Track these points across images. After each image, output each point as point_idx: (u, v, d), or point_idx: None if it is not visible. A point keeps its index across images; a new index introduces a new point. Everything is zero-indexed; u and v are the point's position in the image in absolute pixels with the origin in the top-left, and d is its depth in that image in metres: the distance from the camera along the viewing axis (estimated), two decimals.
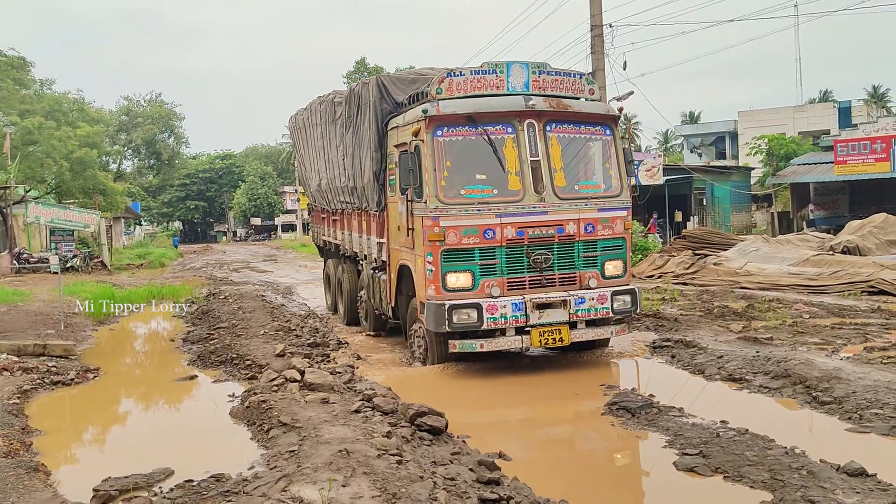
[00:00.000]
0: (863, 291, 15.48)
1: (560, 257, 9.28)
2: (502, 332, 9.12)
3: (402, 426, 6.73)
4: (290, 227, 75.85)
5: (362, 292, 13.34)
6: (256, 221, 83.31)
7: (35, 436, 7.62)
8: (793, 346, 9.99)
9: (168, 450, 7.07)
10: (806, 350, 9.73)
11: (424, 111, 9.07)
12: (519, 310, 8.97)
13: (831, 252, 19.96)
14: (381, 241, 11.19)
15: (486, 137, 9.15)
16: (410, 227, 9.34)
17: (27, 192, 32.76)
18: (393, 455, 5.64)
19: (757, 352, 9.43)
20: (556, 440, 7.64)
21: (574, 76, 9.90)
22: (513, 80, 9.42)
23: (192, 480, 5.67)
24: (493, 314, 8.92)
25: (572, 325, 9.27)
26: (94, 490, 5.57)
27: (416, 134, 9.19)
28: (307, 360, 10.18)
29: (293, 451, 6.07)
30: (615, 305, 9.42)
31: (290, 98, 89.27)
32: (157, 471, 6.12)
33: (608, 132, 9.86)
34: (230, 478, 5.67)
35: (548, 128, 9.38)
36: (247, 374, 9.90)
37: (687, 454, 6.06)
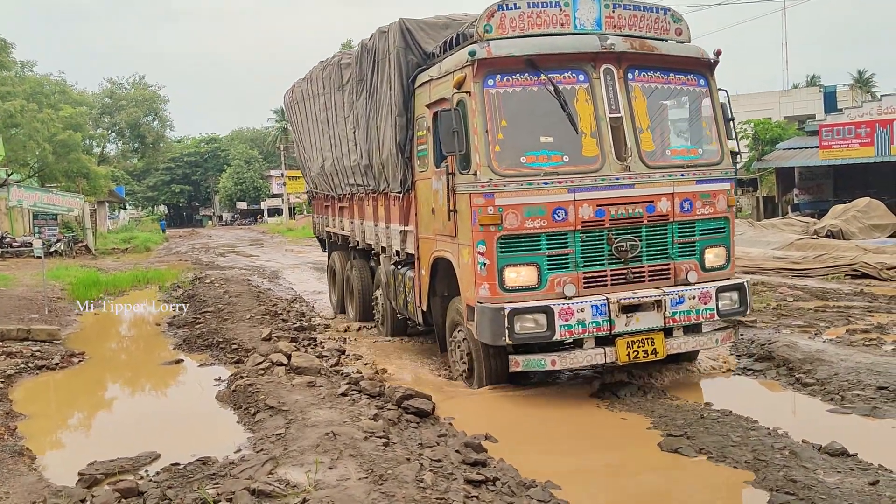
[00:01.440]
0: (846, 275, 15.62)
1: (650, 244, 7.29)
2: (578, 343, 7.14)
3: (389, 409, 6.76)
4: (276, 212, 75.50)
5: (378, 292, 11.23)
6: (242, 205, 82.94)
7: (19, 420, 7.58)
8: (776, 329, 10.08)
9: (154, 434, 7.05)
10: (789, 332, 9.82)
11: (472, 53, 7.06)
12: (601, 314, 6.96)
13: (815, 236, 20.13)
14: (406, 229, 9.15)
15: (551, 88, 7.11)
16: (452, 208, 7.33)
17: (9, 175, 32.39)
18: (380, 437, 5.66)
19: (741, 334, 9.50)
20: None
21: (657, 11, 7.78)
22: (581, 16, 7.41)
23: (178, 464, 5.67)
24: (567, 320, 6.90)
25: (667, 332, 7.31)
26: (80, 474, 5.56)
27: (459, 85, 7.21)
28: (294, 343, 10.17)
29: (280, 434, 6.08)
30: (721, 305, 7.45)
31: (277, 80, 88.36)
32: (143, 454, 6.11)
33: (702, 82, 7.84)
34: (217, 461, 5.68)
35: (629, 75, 7.39)
36: (233, 358, 9.88)
37: (671, 435, 6.11)
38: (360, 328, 12.01)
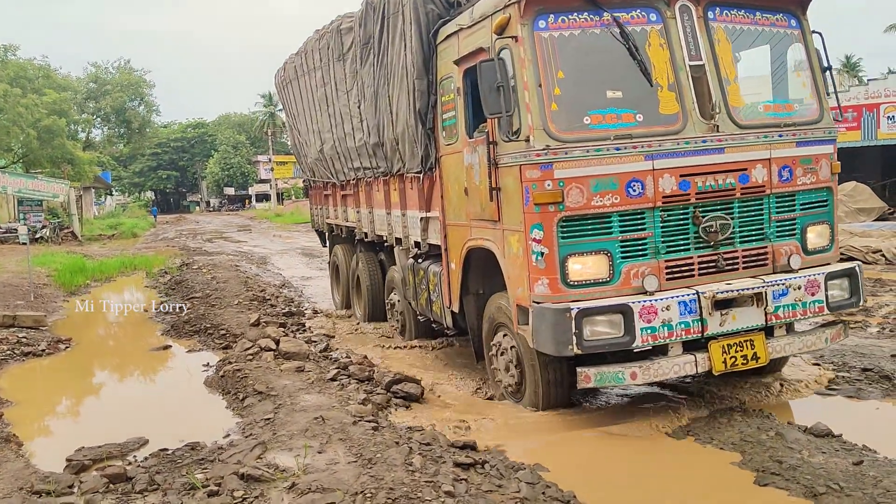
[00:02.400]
0: None
1: (744, 222, 5.95)
2: (661, 350, 5.79)
3: (378, 393, 6.76)
4: (264, 197, 75.21)
5: (394, 294, 9.86)
6: (230, 191, 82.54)
7: (6, 407, 7.54)
8: None
9: (142, 420, 7.03)
10: None
11: None
12: (690, 312, 5.62)
13: None
14: (429, 215, 7.84)
15: (617, 30, 5.78)
16: (494, 185, 6.00)
17: None
18: (369, 422, 5.66)
19: None
20: None
21: None
22: None
23: (167, 449, 5.66)
24: (650, 322, 5.53)
25: (768, 331, 6.00)
26: (68, 460, 5.54)
27: (500, 30, 5.83)
28: (282, 329, 10.17)
29: (268, 418, 6.08)
30: (830, 296, 6.11)
31: (266, 63, 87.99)
32: (131, 440, 6.10)
33: (793, 23, 6.43)
34: (205, 446, 5.67)
35: (710, 14, 6.05)
36: (221, 344, 9.85)
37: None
38: (347, 325, 11.15)
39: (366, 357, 8.45)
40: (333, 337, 9.84)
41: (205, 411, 7.20)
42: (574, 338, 5.44)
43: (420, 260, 8.30)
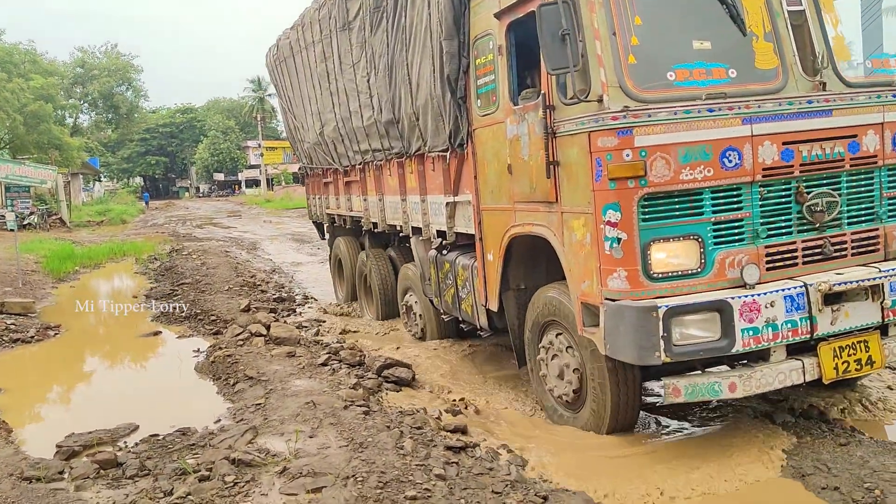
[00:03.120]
0: None
1: (852, 200, 5.00)
2: (761, 355, 4.79)
3: (369, 378, 6.76)
4: (253, 183, 74.88)
5: (409, 295, 8.72)
6: (219, 177, 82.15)
7: None
8: None
9: (132, 405, 7.01)
10: None
11: None
12: (798, 308, 4.67)
13: None
14: (457, 200, 6.90)
15: None
16: (553, 159, 5.00)
17: None
18: (360, 406, 5.67)
19: None
20: None
21: None
22: None
23: (157, 435, 5.65)
24: (752, 321, 4.57)
25: (882, 330, 5.03)
26: (58, 446, 5.52)
27: None
28: (273, 314, 10.15)
29: (259, 404, 6.08)
30: None
31: (255, 48, 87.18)
32: (121, 426, 6.08)
33: None
34: (196, 431, 5.66)
35: None
36: (212, 330, 9.83)
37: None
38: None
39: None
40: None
41: (195, 397, 7.19)
42: (662, 342, 4.44)
43: (444, 251, 7.29)
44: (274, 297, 12.07)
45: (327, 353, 7.56)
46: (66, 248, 20.24)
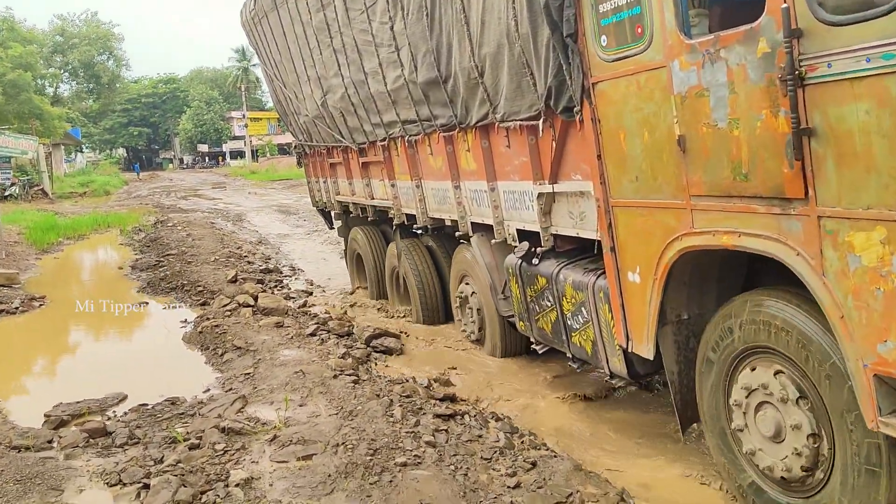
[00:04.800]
0: None
1: None
2: None
3: (358, 348, 6.78)
4: (238, 154, 74.18)
5: (466, 283, 6.87)
6: (203, 148, 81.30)
7: None
8: None
9: (120, 376, 6.98)
10: None
11: None
12: None
13: None
14: (562, 188, 4.95)
15: None
16: (804, 124, 2.90)
17: None
18: (349, 375, 5.69)
19: None
20: None
21: None
22: None
23: (146, 404, 5.66)
24: None
25: None
26: (46, 415, 5.51)
27: None
28: (260, 285, 10.12)
29: (248, 373, 6.09)
30: None
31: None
32: (110, 396, 6.08)
33: None
34: (185, 401, 5.68)
35: None
36: (199, 301, 9.80)
37: None
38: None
39: (345, 313, 8.41)
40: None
41: (184, 367, 7.18)
42: None
43: (535, 261, 5.20)
44: (261, 268, 12.04)
45: (315, 324, 7.57)
46: (49, 219, 20.04)
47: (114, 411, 5.77)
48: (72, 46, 56.15)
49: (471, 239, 6.43)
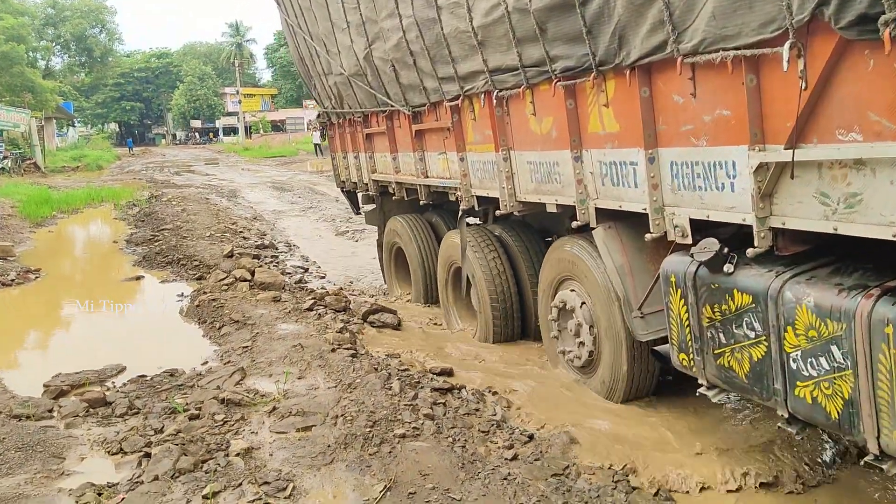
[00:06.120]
0: None
1: None
2: None
3: (355, 323, 6.81)
4: (231, 130, 73.71)
5: (568, 289, 5.13)
6: (196, 124, 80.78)
7: None
8: None
9: (118, 348, 6.99)
10: None
11: None
12: None
13: None
14: (854, 153, 2.87)
15: None
16: None
17: None
18: (347, 349, 5.73)
19: None
20: None
21: None
22: None
23: (145, 376, 5.70)
24: None
25: None
26: (45, 385, 5.54)
27: None
28: (256, 260, 10.13)
29: (247, 346, 6.13)
30: None
31: None
32: (108, 367, 6.10)
33: None
34: (184, 372, 5.72)
35: None
36: (195, 275, 9.81)
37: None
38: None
39: (342, 289, 8.45)
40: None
41: (181, 339, 7.21)
42: None
43: (729, 269, 3.51)
44: (256, 244, 12.04)
45: (312, 299, 7.59)
46: (43, 192, 19.95)
47: (113, 382, 5.81)
48: (64, 19, 55.56)
49: (594, 231, 4.57)
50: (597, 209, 4.55)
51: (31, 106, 33.19)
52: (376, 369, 5.18)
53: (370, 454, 3.96)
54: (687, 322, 3.78)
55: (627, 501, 3.54)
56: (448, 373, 5.47)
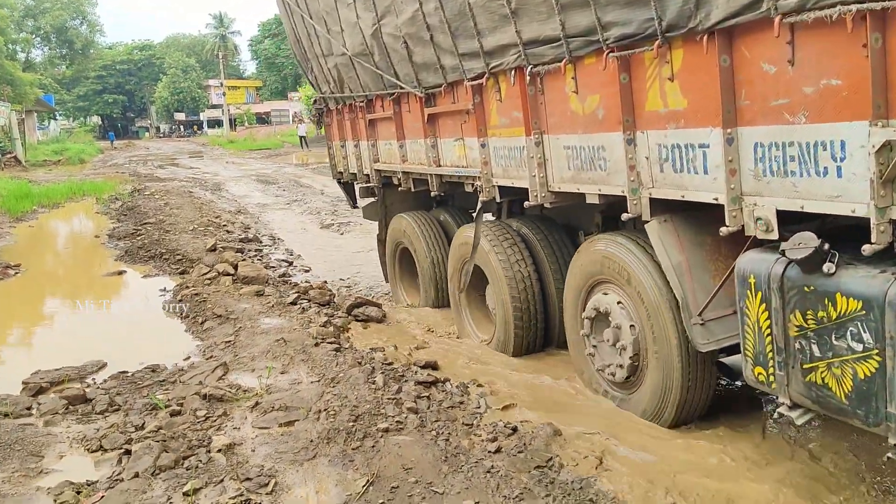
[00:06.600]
0: None
1: None
2: None
3: (339, 317, 6.77)
4: (216, 123, 73.19)
5: (602, 292, 4.52)
6: (180, 117, 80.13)
7: None
8: None
9: (99, 344, 6.94)
10: None
11: None
12: None
13: None
14: None
15: None
16: None
17: None
18: (331, 343, 5.69)
19: None
20: None
21: None
22: None
23: (126, 372, 5.64)
24: None
25: None
26: (24, 382, 5.47)
27: None
28: (240, 254, 10.06)
29: (229, 341, 6.08)
30: None
31: None
32: (88, 363, 6.04)
33: None
34: (166, 368, 5.67)
35: None
36: (178, 269, 9.73)
37: None
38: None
39: (325, 282, 8.39)
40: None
41: (163, 335, 7.14)
42: None
43: (829, 269, 2.96)
44: (240, 237, 11.96)
45: (296, 293, 7.54)
46: (23, 186, 19.73)
47: (93, 378, 5.75)
48: (43, 11, 54.86)
49: (647, 225, 3.97)
50: (651, 199, 3.93)
51: (10, 99, 32.79)
52: (360, 363, 5.15)
53: (353, 449, 3.93)
54: (768, 331, 3.25)
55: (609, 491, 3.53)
56: (433, 366, 5.45)
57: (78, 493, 3.70)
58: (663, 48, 3.55)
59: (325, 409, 4.39)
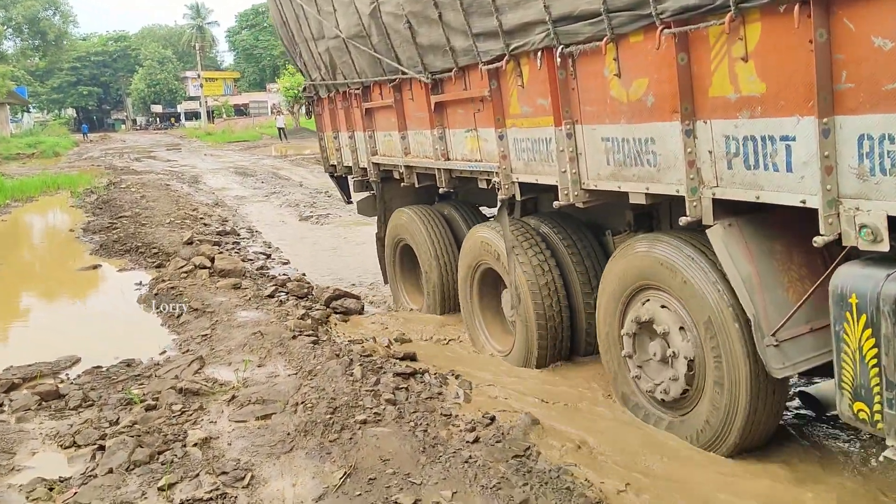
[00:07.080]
0: None
1: None
2: None
3: (318, 309, 6.74)
4: (193, 115, 72.47)
5: (649, 299, 3.95)
6: (157, 109, 79.27)
7: None
8: None
9: (73, 339, 6.84)
10: None
11: None
12: None
13: None
14: None
15: None
16: None
17: None
18: (308, 336, 5.66)
19: None
20: None
21: None
22: None
23: (100, 367, 5.57)
24: None
25: None
26: None
27: None
28: (217, 247, 9.97)
29: (206, 335, 6.03)
30: None
31: None
32: (62, 359, 5.96)
33: None
34: (141, 363, 5.61)
35: None
36: (154, 263, 9.62)
37: None
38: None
39: (304, 275, 8.33)
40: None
41: (139, 329, 7.06)
42: None
43: None
44: (217, 230, 11.85)
45: (273, 285, 7.50)
46: None
47: (67, 374, 5.66)
48: (15, 1, 53.93)
49: (710, 231, 3.43)
50: (714, 200, 3.35)
51: None
52: (338, 355, 5.12)
53: (330, 441, 3.91)
54: (874, 360, 2.71)
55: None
56: (411, 357, 5.44)
57: (50, 489, 3.64)
58: (736, 21, 2.96)
59: (302, 402, 4.36)
